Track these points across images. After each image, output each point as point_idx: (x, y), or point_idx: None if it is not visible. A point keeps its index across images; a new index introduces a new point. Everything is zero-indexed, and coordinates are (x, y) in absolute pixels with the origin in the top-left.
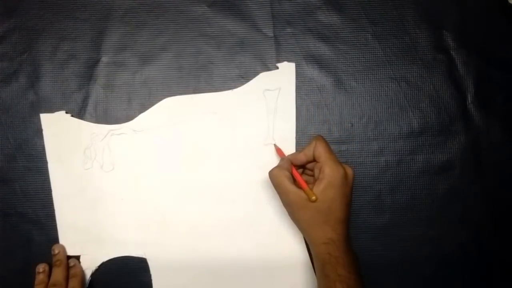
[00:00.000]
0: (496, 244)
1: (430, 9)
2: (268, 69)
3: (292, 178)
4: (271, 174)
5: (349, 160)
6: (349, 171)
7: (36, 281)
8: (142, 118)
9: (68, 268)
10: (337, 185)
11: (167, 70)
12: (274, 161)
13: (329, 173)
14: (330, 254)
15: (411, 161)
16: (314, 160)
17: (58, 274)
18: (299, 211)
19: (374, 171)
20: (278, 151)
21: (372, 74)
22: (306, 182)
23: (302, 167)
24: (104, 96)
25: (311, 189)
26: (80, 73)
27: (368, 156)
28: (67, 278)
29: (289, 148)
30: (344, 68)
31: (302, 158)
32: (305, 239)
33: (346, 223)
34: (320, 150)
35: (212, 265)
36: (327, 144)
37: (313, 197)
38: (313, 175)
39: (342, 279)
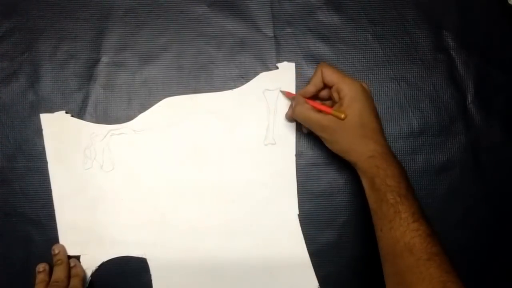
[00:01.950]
0: (496, 244)
1: (430, 9)
2: (268, 69)
3: (314, 109)
4: (297, 114)
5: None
6: (365, 84)
7: (37, 280)
8: (142, 118)
9: (69, 267)
10: (359, 99)
11: (167, 70)
12: (274, 161)
13: (348, 88)
14: (378, 166)
15: (411, 161)
16: (324, 87)
17: (59, 272)
18: (336, 133)
19: None
20: (286, 93)
21: (372, 74)
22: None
23: (315, 98)
24: (104, 96)
25: (337, 110)
26: (80, 73)
27: None
28: (68, 276)
29: (289, 148)
30: (344, 68)
31: (311, 89)
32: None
33: (383, 134)
34: (330, 74)
35: (212, 265)
36: (333, 67)
37: (342, 115)
38: (330, 100)
39: (392, 189)
